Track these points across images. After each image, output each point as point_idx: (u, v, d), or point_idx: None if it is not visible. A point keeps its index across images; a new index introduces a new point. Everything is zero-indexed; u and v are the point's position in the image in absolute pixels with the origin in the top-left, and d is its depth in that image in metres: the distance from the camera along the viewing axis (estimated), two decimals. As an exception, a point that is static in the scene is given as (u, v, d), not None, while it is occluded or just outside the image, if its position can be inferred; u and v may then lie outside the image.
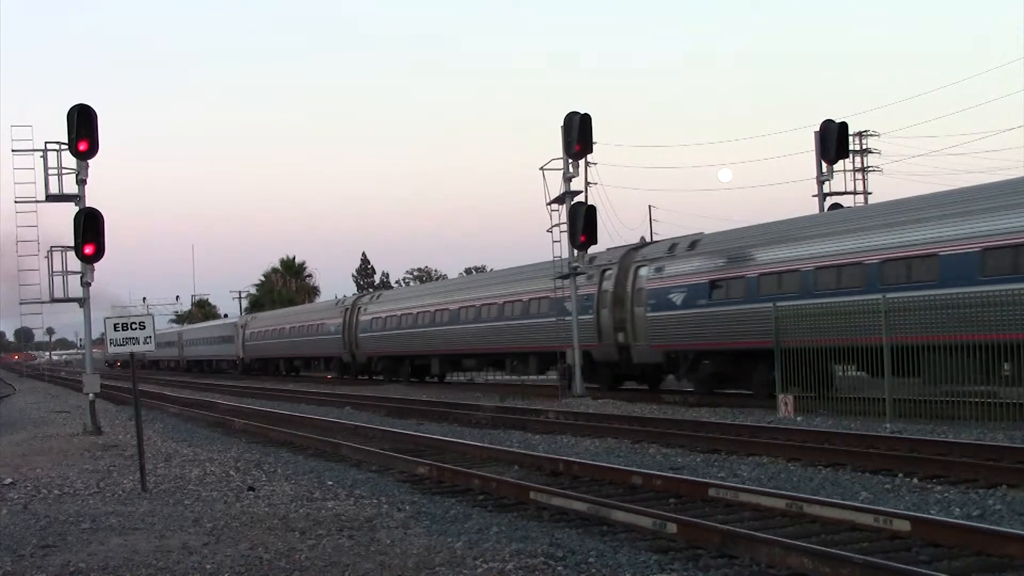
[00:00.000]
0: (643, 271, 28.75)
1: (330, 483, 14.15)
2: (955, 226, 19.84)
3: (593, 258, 31.55)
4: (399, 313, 44.87)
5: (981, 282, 18.67)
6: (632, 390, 30.59)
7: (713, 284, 25.87)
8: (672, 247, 28.60)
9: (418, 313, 43.07)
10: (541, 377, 37.57)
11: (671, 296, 27.27)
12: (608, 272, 30.66)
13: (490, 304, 37.50)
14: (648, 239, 52.43)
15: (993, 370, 18.06)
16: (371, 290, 60.15)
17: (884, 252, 21.16)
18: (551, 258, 30.56)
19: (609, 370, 30.72)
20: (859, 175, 34.67)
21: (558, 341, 31.18)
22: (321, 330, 53.59)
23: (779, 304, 22.45)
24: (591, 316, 30.72)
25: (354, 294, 57.80)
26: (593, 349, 30.68)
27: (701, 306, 26.10)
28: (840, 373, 22.84)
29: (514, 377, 39.47)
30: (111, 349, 14.12)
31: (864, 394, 20.70)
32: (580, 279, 30.90)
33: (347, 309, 50.72)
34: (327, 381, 50.95)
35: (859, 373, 22.46)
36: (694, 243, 27.71)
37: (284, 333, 60.02)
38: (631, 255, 30.38)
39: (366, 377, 49.27)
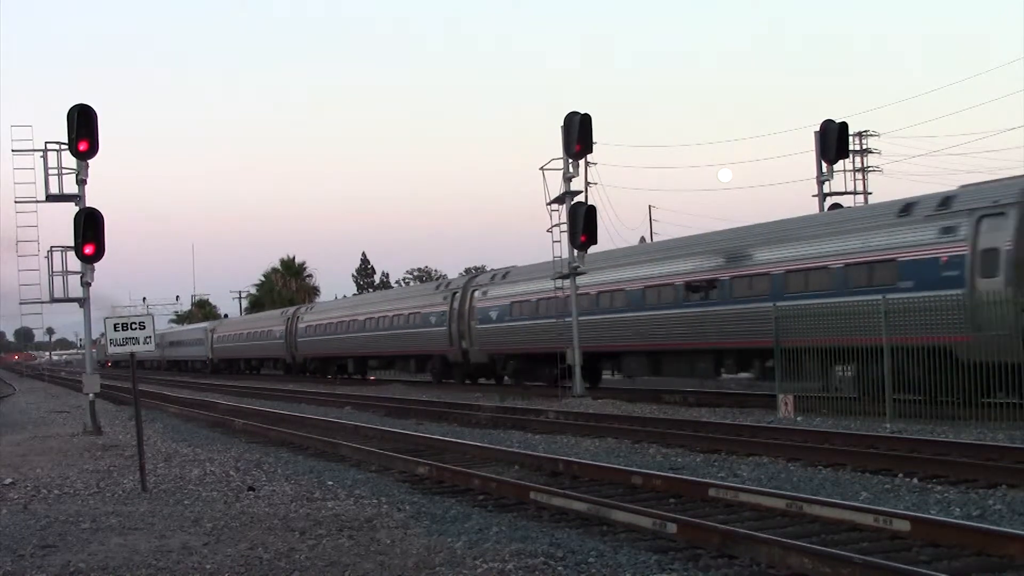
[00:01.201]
0: (476, 294, 37.90)
1: (330, 483, 14.14)
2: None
3: (449, 283, 43.03)
4: (324, 322, 53.85)
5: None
6: (632, 390, 30.66)
7: (512, 305, 35.05)
8: (493, 277, 38.42)
9: (337, 323, 51.87)
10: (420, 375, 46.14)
11: (490, 313, 36.67)
12: (456, 294, 39.81)
13: (383, 317, 46.41)
14: (648, 239, 52.81)
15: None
16: (307, 303, 69.57)
17: (599, 286, 30.55)
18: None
19: (460, 368, 39.85)
20: (859, 175, 34.66)
21: (426, 346, 41.51)
22: (270, 336, 62.66)
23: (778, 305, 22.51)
24: (445, 328, 39.89)
25: (295, 306, 65.90)
26: (448, 353, 40.05)
27: (507, 321, 35.38)
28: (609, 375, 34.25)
29: (401, 376, 48.60)
30: (111, 349, 14.11)
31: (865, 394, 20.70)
32: (437, 298, 41.29)
33: (289, 318, 59.45)
34: (327, 381, 51.72)
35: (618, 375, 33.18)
36: (507, 274, 37.24)
37: (243, 337, 69.38)
38: (471, 281, 40.23)
39: (305, 374, 57.89)
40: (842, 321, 20.58)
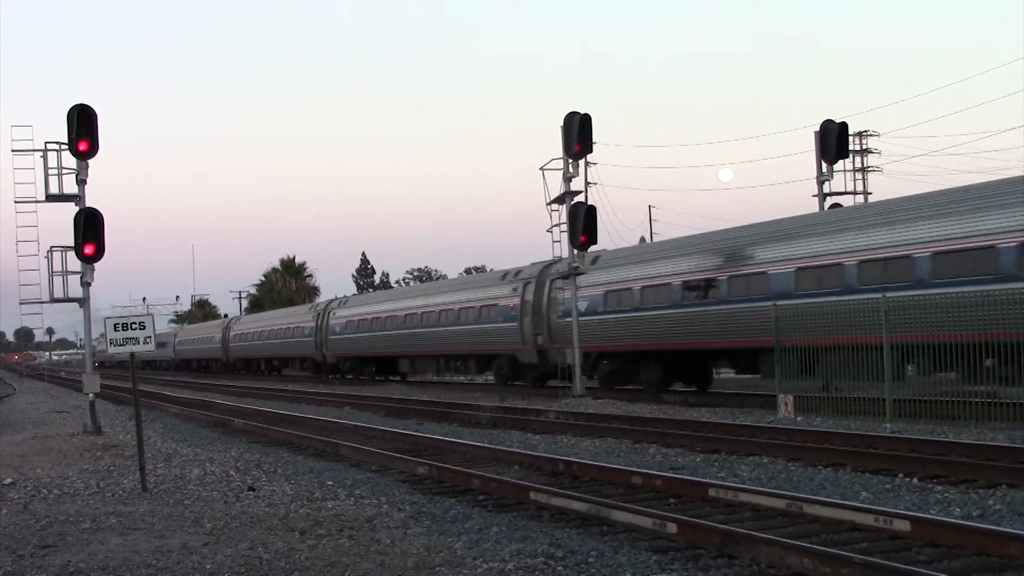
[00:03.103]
0: (331, 313, 53.18)
1: (330, 483, 14.15)
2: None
3: (317, 305, 59.04)
4: (246, 331, 70.19)
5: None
6: (631, 390, 30.69)
7: (347, 323, 50.67)
8: (341, 302, 55.22)
9: (252, 332, 68.29)
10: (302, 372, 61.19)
11: (336, 328, 51.95)
12: (320, 313, 54.89)
13: (278, 328, 61.94)
14: (648, 239, 53.52)
15: None
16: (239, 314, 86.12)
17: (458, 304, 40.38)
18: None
19: (323, 367, 54.72)
20: (859, 175, 34.69)
21: (303, 351, 57.11)
22: (212, 341, 78.12)
23: (778, 304, 22.54)
24: (313, 338, 54.90)
25: (228, 316, 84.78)
26: (315, 356, 55.33)
27: (345, 334, 50.86)
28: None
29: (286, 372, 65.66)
30: (111, 349, 14.10)
31: (864, 394, 20.73)
32: (309, 316, 56.66)
33: (224, 327, 76.24)
34: (326, 381, 52.20)
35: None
36: (346, 300, 55.56)
37: (195, 341, 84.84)
38: (329, 304, 56.05)
39: (237, 372, 72.99)
40: (478, 337, 37.29)
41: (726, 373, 28.80)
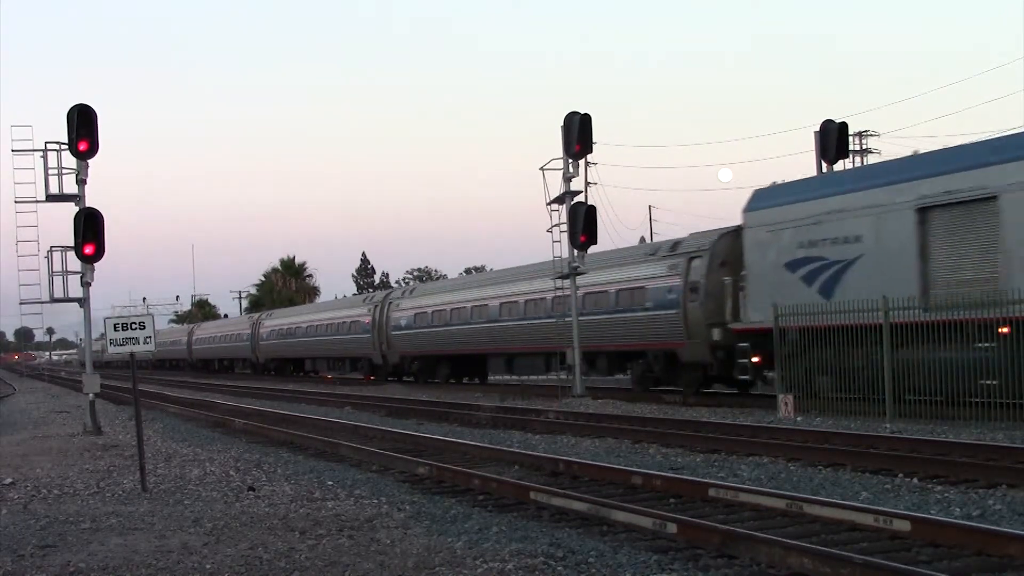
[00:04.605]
0: (261, 322, 63.97)
1: (330, 483, 14.15)
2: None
3: (252, 316, 68.85)
4: (204, 336, 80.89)
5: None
6: (628, 389, 30.69)
7: (272, 331, 61.24)
8: (268, 314, 66.39)
9: (208, 336, 79.33)
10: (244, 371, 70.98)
11: (263, 335, 62.34)
12: (254, 323, 65.64)
13: (226, 335, 73.35)
14: (648, 239, 53.76)
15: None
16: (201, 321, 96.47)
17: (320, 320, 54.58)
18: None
19: (257, 367, 66.10)
20: (859, 175, 34.62)
21: (242, 354, 68.23)
22: (180, 343, 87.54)
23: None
24: (249, 343, 65.40)
25: (193, 323, 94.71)
26: (250, 357, 66.24)
27: (273, 340, 61.17)
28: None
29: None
30: (111, 349, 14.10)
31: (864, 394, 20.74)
32: (247, 324, 67.88)
33: (188, 332, 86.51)
34: (327, 381, 52.10)
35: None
36: (272, 312, 66.53)
37: (168, 343, 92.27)
38: (260, 314, 67.74)
39: (196, 370, 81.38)
40: (349, 345, 49.48)
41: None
